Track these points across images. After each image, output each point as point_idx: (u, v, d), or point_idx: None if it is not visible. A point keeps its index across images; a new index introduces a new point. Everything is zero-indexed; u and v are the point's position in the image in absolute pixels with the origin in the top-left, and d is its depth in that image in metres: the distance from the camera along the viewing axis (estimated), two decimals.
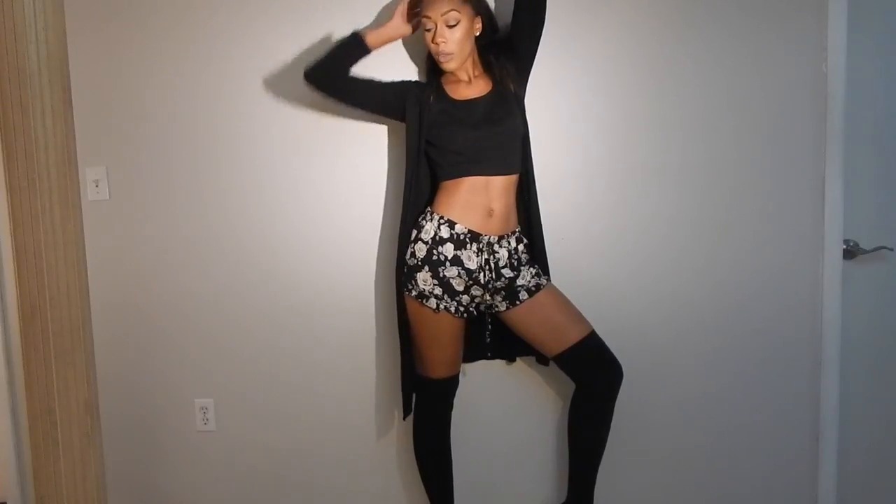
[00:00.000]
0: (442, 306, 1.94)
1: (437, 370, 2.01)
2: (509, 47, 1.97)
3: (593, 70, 2.16)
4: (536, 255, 2.04)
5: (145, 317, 2.37)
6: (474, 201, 1.93)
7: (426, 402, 2.07)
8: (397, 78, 2.08)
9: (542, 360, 2.12)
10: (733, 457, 2.25)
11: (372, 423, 2.33)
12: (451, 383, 2.05)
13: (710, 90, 2.14)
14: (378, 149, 2.23)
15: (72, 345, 2.35)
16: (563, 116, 2.17)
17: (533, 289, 1.96)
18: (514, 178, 1.98)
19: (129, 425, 2.42)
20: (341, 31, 2.18)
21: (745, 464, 2.25)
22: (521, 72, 1.99)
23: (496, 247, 1.95)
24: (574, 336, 1.94)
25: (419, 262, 1.94)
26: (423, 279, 1.93)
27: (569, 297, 2.05)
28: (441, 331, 1.97)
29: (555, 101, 2.16)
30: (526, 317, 1.97)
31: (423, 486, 2.14)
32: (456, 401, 2.10)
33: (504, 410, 2.28)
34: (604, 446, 2.00)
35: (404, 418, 2.10)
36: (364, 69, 2.03)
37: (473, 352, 2.13)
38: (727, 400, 2.23)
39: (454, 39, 1.88)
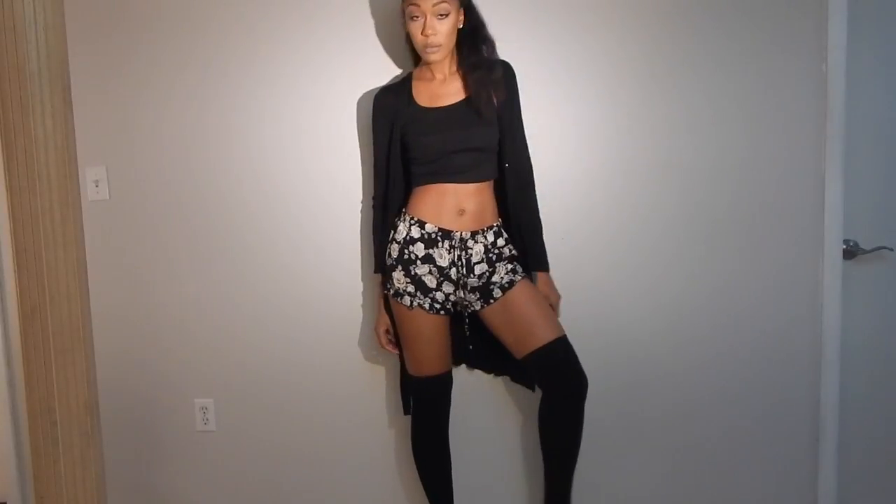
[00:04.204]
0: (415, 303, 1.95)
1: (422, 368, 2.00)
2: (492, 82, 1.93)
3: (593, 71, 2.16)
4: (520, 248, 2.00)
5: (145, 316, 2.37)
6: (444, 202, 1.93)
7: (418, 401, 2.07)
8: (373, 84, 2.15)
9: (518, 378, 2.12)
10: (733, 457, 2.25)
11: (372, 422, 2.33)
12: (439, 382, 2.03)
13: (709, 90, 2.14)
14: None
15: (72, 345, 2.35)
16: (562, 117, 2.17)
17: (507, 285, 1.94)
18: (490, 183, 1.97)
19: (129, 425, 2.42)
20: (339, 37, 2.19)
21: (746, 464, 2.25)
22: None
23: (469, 242, 1.93)
24: (543, 338, 1.90)
25: (394, 262, 1.97)
26: (398, 278, 1.96)
27: (568, 297, 2.05)
28: (419, 328, 1.97)
29: (555, 102, 2.16)
30: (499, 315, 1.95)
31: (422, 486, 2.14)
32: (454, 403, 2.10)
33: (498, 413, 2.28)
34: (576, 452, 1.96)
35: (405, 414, 2.12)
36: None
37: (456, 356, 2.11)
38: (727, 399, 2.23)
39: (443, 31, 1.86)
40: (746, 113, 2.14)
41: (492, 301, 1.95)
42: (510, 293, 1.94)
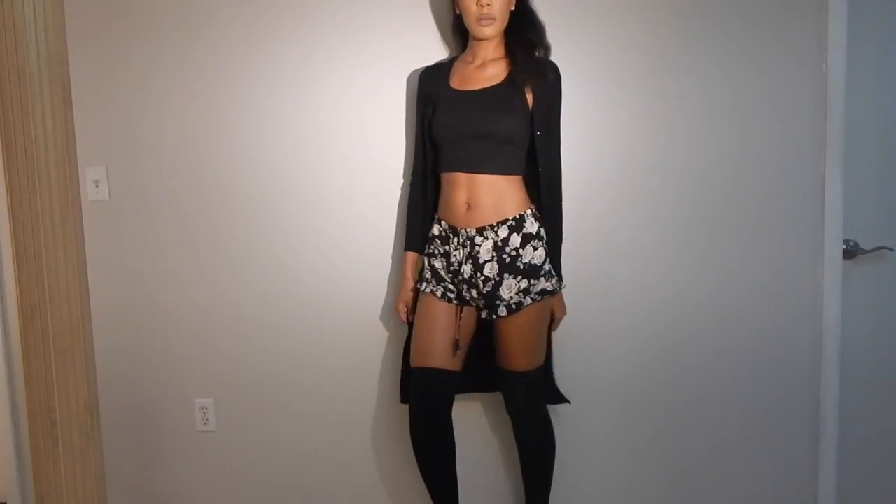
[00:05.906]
0: (429, 289, 1.98)
1: (422, 357, 1.95)
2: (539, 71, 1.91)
3: (594, 72, 2.16)
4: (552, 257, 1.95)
5: (145, 317, 2.37)
6: (454, 195, 1.91)
7: (414, 395, 1.98)
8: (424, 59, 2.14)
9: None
10: (733, 457, 2.25)
11: (373, 423, 2.33)
12: (437, 376, 1.93)
13: (710, 90, 2.14)
14: (385, 146, 2.24)
15: (72, 345, 2.35)
16: (563, 117, 2.16)
17: (514, 307, 1.87)
18: (511, 178, 1.89)
19: (129, 425, 2.42)
20: (340, 33, 2.19)
21: (746, 464, 2.25)
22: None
23: (477, 239, 1.88)
24: (518, 365, 1.93)
25: (425, 252, 2.04)
26: (424, 264, 2.03)
27: (567, 297, 2.05)
28: (427, 313, 1.98)
29: None
30: (502, 329, 1.92)
31: (424, 487, 2.09)
32: (466, 398, 2.09)
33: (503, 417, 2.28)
34: (546, 469, 2.05)
35: (401, 402, 2.12)
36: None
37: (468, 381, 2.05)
38: (727, 399, 2.23)
39: (498, 3, 1.85)
40: (746, 113, 2.14)
41: (495, 318, 1.90)
42: (518, 316, 1.87)
